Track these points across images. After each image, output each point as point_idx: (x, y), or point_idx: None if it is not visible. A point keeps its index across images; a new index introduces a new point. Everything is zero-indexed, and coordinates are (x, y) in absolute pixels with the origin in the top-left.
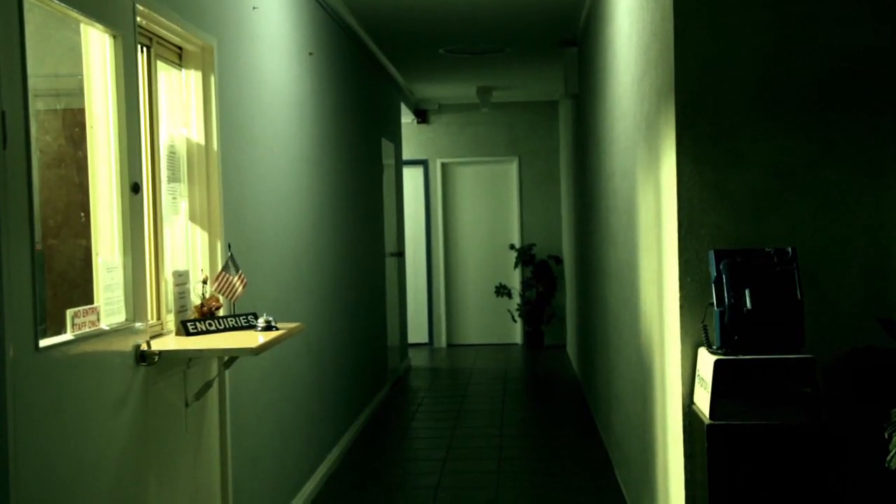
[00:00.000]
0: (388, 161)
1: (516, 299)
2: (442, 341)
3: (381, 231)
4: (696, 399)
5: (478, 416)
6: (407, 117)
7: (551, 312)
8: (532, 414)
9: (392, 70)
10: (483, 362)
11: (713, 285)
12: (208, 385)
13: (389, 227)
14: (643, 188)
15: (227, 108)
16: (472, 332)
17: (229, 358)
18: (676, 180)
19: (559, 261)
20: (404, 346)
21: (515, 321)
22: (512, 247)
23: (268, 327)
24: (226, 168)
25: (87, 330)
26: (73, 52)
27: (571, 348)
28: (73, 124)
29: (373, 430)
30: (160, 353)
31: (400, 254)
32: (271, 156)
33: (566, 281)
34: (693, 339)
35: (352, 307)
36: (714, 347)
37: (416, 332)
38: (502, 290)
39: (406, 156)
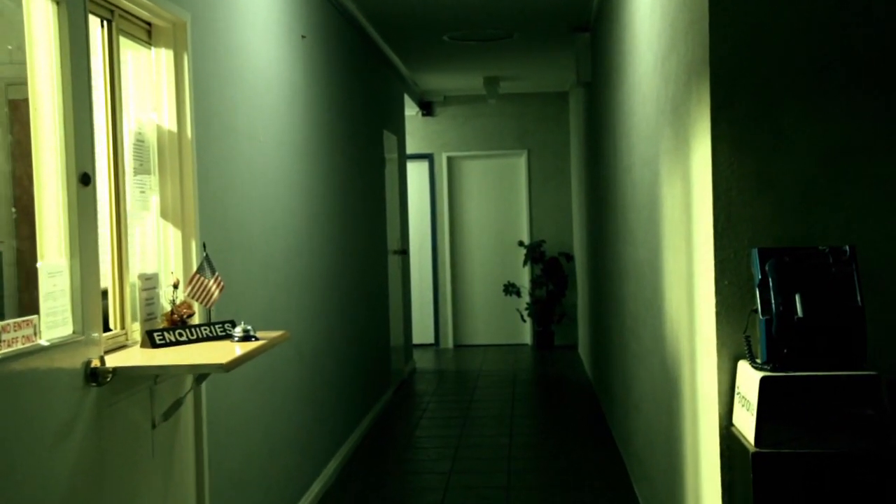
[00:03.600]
0: (391, 155)
1: (525, 298)
2: (448, 342)
3: (384, 228)
4: (735, 420)
5: (485, 422)
6: (411, 109)
7: (562, 312)
8: (543, 421)
9: (395, 59)
10: (491, 364)
11: (757, 289)
12: (179, 403)
13: (392, 224)
14: (668, 180)
15: (203, 91)
16: (479, 333)
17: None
18: (711, 169)
19: (570, 258)
20: (409, 347)
21: (524, 321)
22: (521, 243)
23: (246, 337)
24: (203, 158)
25: (19, 347)
26: (11, 21)
27: (583, 349)
28: (13, 106)
29: (374, 439)
30: (115, 370)
31: (404, 251)
32: (258, 146)
33: (577, 279)
34: (731, 351)
35: (351, 308)
36: (759, 362)
37: (422, 332)
38: (511, 289)
39: (410, 149)
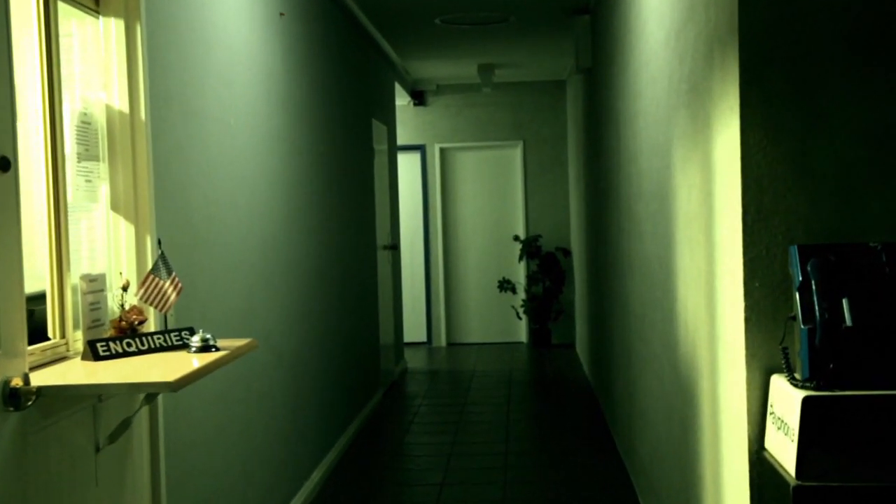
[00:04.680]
0: (381, 146)
1: (521, 295)
2: (441, 340)
3: (373, 222)
4: (769, 444)
5: (479, 428)
6: (402, 99)
7: (559, 309)
8: (540, 425)
9: (384, 44)
10: (485, 363)
11: (796, 293)
12: (127, 423)
13: (382, 218)
14: (683, 167)
15: (162, 68)
16: (473, 331)
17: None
18: (740, 153)
19: (567, 253)
20: (400, 346)
21: (520, 318)
22: (516, 238)
23: (205, 348)
24: (160, 144)
25: None
26: None
27: (581, 347)
28: None
29: (361, 446)
30: (39, 389)
31: (394, 247)
32: (229, 131)
33: (575, 275)
34: (763, 363)
35: (337, 307)
36: (799, 379)
37: (414, 330)
38: (506, 285)
39: (401, 140)
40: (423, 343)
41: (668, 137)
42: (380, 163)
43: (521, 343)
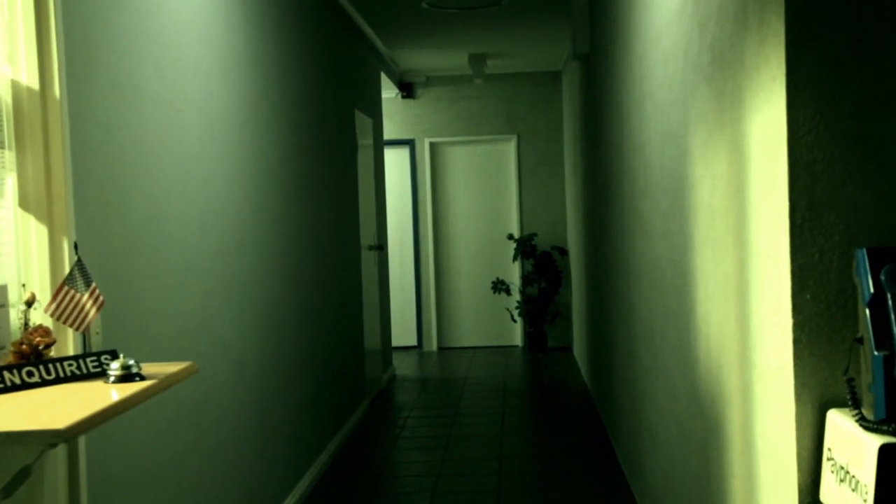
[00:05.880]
0: (366, 139)
1: (516, 296)
2: (433, 344)
3: (357, 221)
4: (825, 498)
5: (471, 443)
6: (390, 91)
7: (555, 311)
8: (537, 440)
9: (367, 30)
10: (479, 369)
11: (867, 310)
12: (26, 472)
13: (367, 217)
14: (704, 155)
15: (82, 38)
16: (466, 334)
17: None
18: (787, 133)
19: (564, 252)
20: (388, 351)
21: (515, 321)
22: (510, 237)
23: (126, 377)
24: (83, 128)
25: None
26: None
27: (579, 352)
28: None
29: (342, 466)
30: None
31: (380, 247)
32: (177, 116)
33: (572, 275)
34: (817, 396)
35: (316, 313)
36: (872, 419)
37: (404, 334)
38: (500, 286)
39: (389, 135)
40: (413, 347)
41: (684, 121)
42: (364, 157)
43: (516, 347)
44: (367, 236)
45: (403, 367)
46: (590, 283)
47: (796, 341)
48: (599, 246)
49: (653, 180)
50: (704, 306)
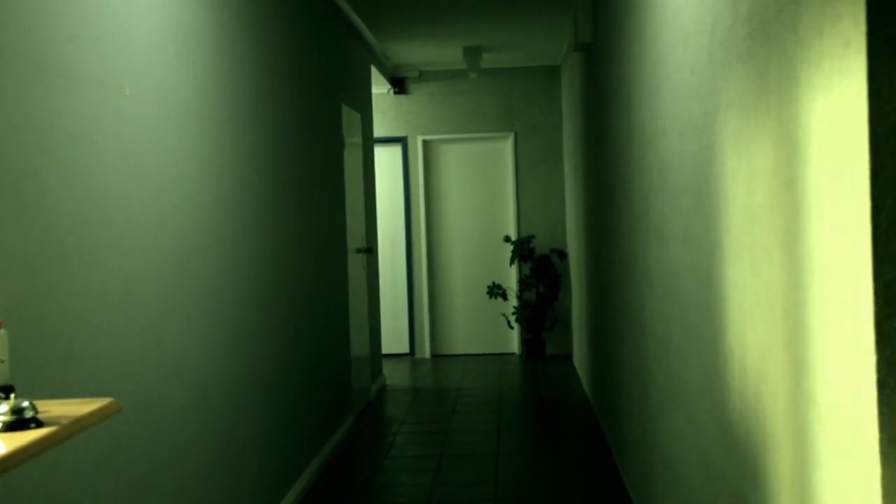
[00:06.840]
0: (353, 136)
1: (513, 301)
2: (425, 352)
3: (343, 223)
4: None
5: (465, 463)
6: (382, 87)
7: (554, 317)
8: (536, 460)
9: (355, 18)
10: (473, 379)
11: None
12: None
13: (355, 218)
14: (738, 146)
15: None
16: (460, 341)
17: None
18: (868, 112)
19: (564, 255)
20: (377, 360)
21: (512, 327)
22: (507, 239)
23: (18, 423)
24: None
25: None
26: None
27: (580, 361)
28: None
29: (324, 489)
30: None
31: (369, 250)
32: (120, 102)
33: (572, 280)
34: None
35: (295, 321)
36: None
37: (396, 341)
38: (496, 291)
39: (381, 132)
40: (405, 354)
41: (711, 108)
42: (352, 155)
43: (513, 354)
44: (354, 239)
45: (394, 376)
46: (592, 289)
47: (881, 383)
48: (603, 249)
49: (669, 177)
50: (738, 325)
